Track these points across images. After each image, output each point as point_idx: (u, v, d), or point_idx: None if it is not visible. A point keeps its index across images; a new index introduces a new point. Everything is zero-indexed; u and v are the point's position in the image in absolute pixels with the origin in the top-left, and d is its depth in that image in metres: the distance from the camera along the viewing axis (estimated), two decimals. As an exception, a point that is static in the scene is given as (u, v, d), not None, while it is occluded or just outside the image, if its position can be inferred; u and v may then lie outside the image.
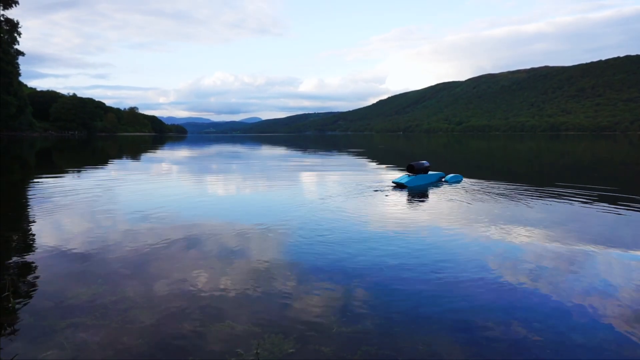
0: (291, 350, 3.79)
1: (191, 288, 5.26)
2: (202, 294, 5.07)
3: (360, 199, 12.26)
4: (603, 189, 13.89)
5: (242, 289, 5.22)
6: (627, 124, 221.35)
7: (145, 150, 48.49)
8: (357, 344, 3.90)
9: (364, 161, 28.93)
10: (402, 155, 39.54)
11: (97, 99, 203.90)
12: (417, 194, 13.20)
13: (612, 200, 11.61)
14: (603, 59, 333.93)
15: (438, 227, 8.66)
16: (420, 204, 11.60)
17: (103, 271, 5.89)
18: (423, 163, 15.19)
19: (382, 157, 34.12)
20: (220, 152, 43.83)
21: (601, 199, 11.82)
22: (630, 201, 11.58)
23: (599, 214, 9.94)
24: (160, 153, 42.30)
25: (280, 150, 47.43)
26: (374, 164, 26.71)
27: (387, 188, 14.15)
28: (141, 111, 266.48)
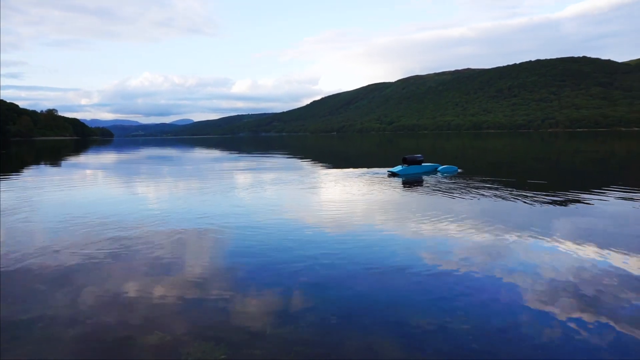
0: (222, 357, 3.71)
1: (120, 299, 4.98)
2: (131, 305, 4.82)
3: (295, 200, 12.28)
4: (520, 182, 14.98)
5: (174, 297, 5.03)
6: (539, 122, 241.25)
7: (66, 155, 45.30)
8: (291, 345, 3.90)
9: (298, 161, 29.04)
10: (336, 155, 40.16)
11: (8, 101, 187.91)
12: (357, 191, 13.48)
13: (531, 193, 12.55)
14: (517, 62, 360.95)
15: (370, 224, 8.88)
16: (356, 201, 11.83)
17: (23, 286, 5.42)
18: (416, 156, 16.94)
19: (317, 157, 34.47)
20: (150, 156, 42.00)
21: (519, 191, 12.74)
22: (542, 192, 12.58)
23: (520, 206, 10.70)
24: (84, 158, 39.72)
25: (213, 153, 46.34)
26: (308, 164, 26.89)
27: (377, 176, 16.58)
28: (61, 113, 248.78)
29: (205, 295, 5.11)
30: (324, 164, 26.19)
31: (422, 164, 17.35)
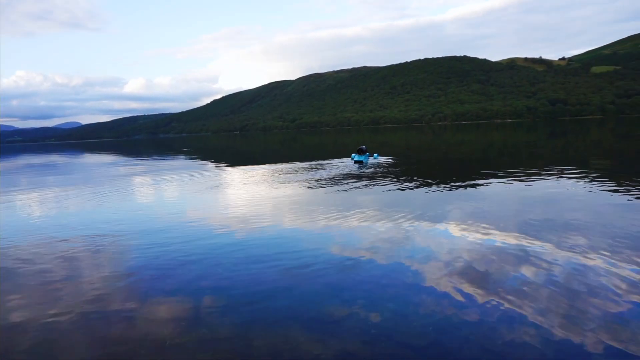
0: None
1: (7, 321, 4.41)
2: (20, 327, 4.28)
3: (197, 203, 11.85)
4: (416, 172, 16.05)
5: (66, 316, 4.57)
6: (430, 116, 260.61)
7: None
8: (194, 354, 3.75)
9: (198, 162, 28.06)
10: (239, 154, 39.54)
11: None
12: (261, 189, 13.36)
13: (424, 181, 13.49)
14: (408, 60, 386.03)
15: (274, 222, 8.87)
16: (260, 200, 11.73)
17: None
18: (364, 148, 22.13)
19: (220, 157, 33.62)
20: (30, 164, 37.69)
21: (415, 181, 13.63)
22: (435, 180, 13.60)
23: (416, 194, 11.45)
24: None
25: (106, 157, 42.98)
26: (210, 164, 26.12)
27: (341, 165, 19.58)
28: None
29: (103, 309, 4.72)
30: (226, 164, 25.63)
31: (367, 153, 22.54)
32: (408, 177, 14.75)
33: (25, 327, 4.42)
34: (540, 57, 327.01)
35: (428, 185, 12.94)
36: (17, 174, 26.94)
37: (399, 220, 8.48)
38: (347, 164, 20.86)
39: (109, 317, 4.55)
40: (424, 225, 8.10)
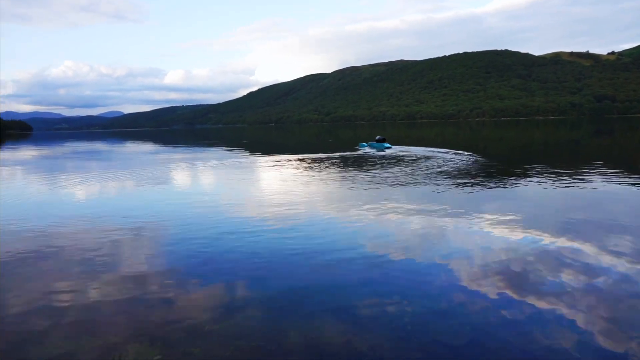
0: (157, 357, 3.55)
1: (52, 301, 4.63)
2: (64, 307, 4.49)
3: (235, 190, 12.05)
4: (452, 168, 15.71)
5: (108, 298, 4.75)
6: (468, 111, 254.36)
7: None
8: (230, 340, 3.82)
9: (237, 153, 28.46)
10: (274, 144, 39.86)
11: None
12: (296, 181, 13.43)
13: (461, 179, 13.18)
14: (447, 54, 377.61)
15: (311, 214, 8.89)
16: (295, 189, 11.78)
17: None
18: (383, 138, 28.56)
19: (255, 147, 34.00)
20: (76, 150, 39.35)
21: (451, 178, 13.34)
22: (472, 178, 13.26)
23: (453, 192, 11.21)
24: (-2, 154, 36.41)
25: (147, 146, 44.31)
26: (247, 155, 26.43)
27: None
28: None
29: (142, 294, 4.88)
30: (262, 154, 25.90)
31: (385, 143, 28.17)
32: (443, 173, 14.46)
33: (66, 307, 4.62)
34: (587, 51, 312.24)
35: (464, 181, 12.64)
36: (63, 159, 28.16)
37: (435, 217, 8.33)
38: (372, 154, 23.06)
39: (149, 301, 4.68)
40: (460, 222, 7.92)
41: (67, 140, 71.81)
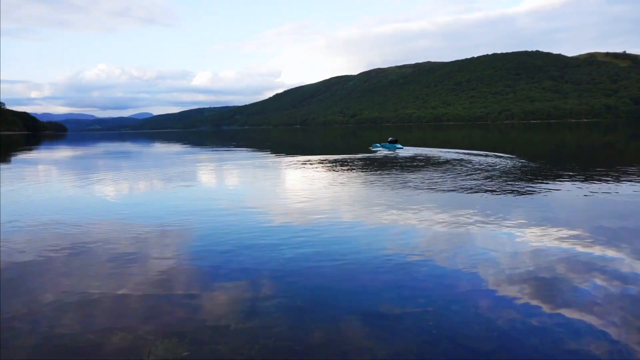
0: (185, 353, 3.64)
1: (83, 298, 4.80)
2: (94, 303, 4.64)
3: (259, 190, 12.18)
4: (479, 172, 15.45)
5: (137, 294, 4.89)
6: (496, 114, 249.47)
7: (16, 151, 42.99)
8: (255, 339, 3.87)
9: (263, 154, 28.76)
10: (299, 147, 40.07)
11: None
12: (321, 182, 13.49)
13: (488, 182, 12.95)
14: (475, 56, 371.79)
15: (335, 215, 8.90)
16: (319, 191, 11.83)
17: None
18: (395, 139, 30.78)
19: (282, 149, 34.25)
20: (107, 151, 40.52)
21: (477, 181, 13.12)
22: (499, 182, 13.01)
23: (479, 195, 11.04)
24: (34, 154, 37.84)
25: (175, 147, 45.24)
26: (274, 156, 26.68)
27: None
28: (8, 107, 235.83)
29: (169, 291, 5.00)
30: (286, 154, 26.07)
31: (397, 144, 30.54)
32: (469, 177, 14.24)
33: (98, 300, 4.77)
34: (624, 51, 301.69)
35: (493, 184, 12.41)
36: (96, 159, 29.05)
37: (461, 221, 8.22)
38: (396, 156, 23.77)
39: (174, 299, 4.79)
40: (488, 227, 7.78)
41: (100, 141, 74.07)
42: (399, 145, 30.06)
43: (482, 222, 8.08)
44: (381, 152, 27.57)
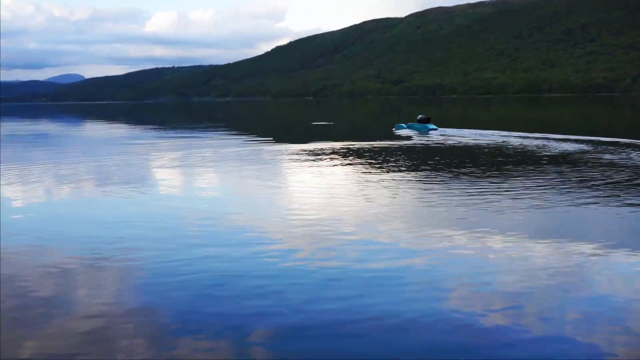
0: None
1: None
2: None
3: (247, 202, 12.21)
4: (599, 176, 15.22)
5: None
6: (629, 81, 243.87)
7: None
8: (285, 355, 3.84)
9: (253, 141, 28.85)
10: (312, 132, 40.13)
11: None
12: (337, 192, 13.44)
13: (607, 193, 12.75)
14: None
15: (364, 245, 8.83)
16: (337, 201, 11.77)
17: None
18: (427, 117, 34.30)
19: (278, 134, 34.31)
20: (11, 134, 41.17)
21: (592, 191, 12.92)
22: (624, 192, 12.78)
23: (589, 213, 10.88)
24: None
25: (118, 129, 45.83)
26: (268, 144, 26.76)
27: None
28: None
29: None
30: (294, 144, 26.15)
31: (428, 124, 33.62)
32: (592, 184, 14.07)
33: None
34: None
35: (610, 199, 12.24)
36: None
37: (574, 261, 8.10)
38: (442, 144, 24.34)
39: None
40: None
41: (2, 118, 75.50)
42: (432, 126, 33.19)
43: (610, 265, 7.92)
44: (407, 134, 31.76)
